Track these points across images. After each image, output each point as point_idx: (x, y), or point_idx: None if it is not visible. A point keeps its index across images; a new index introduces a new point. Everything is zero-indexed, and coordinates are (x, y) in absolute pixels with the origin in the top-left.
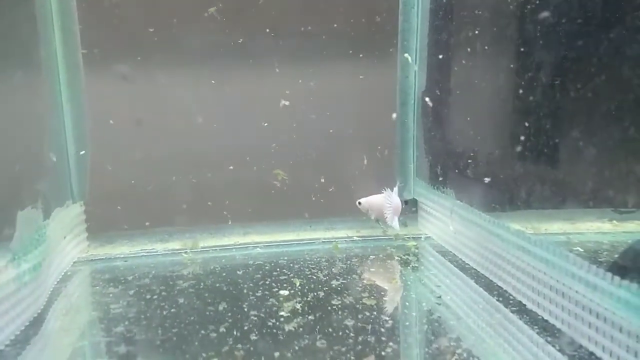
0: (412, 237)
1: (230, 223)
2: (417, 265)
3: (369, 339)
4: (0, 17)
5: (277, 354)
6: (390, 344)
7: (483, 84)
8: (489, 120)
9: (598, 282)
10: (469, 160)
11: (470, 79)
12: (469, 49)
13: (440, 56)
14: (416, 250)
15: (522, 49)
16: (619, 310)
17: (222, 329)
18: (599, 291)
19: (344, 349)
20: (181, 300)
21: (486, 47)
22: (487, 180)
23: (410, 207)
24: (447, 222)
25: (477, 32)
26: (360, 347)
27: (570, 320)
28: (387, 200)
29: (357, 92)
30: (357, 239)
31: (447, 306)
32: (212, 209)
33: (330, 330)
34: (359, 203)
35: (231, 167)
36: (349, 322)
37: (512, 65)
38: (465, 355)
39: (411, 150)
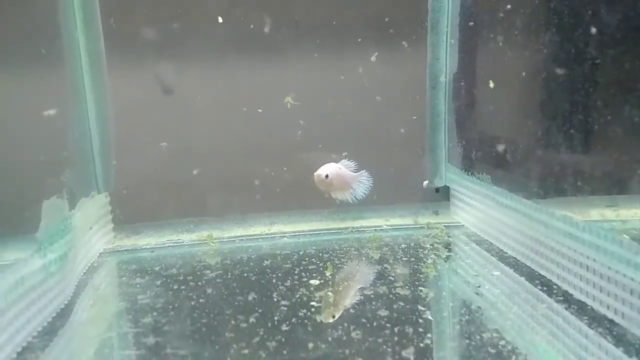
0: (445, 225)
1: (256, 213)
2: (451, 254)
3: (406, 330)
4: (22, 7)
5: (310, 345)
6: (429, 335)
7: (520, 64)
8: (527, 102)
9: None
10: (507, 145)
11: (506, 59)
12: (504, 28)
13: (473, 36)
14: (449, 239)
15: (562, 27)
16: None
17: (252, 320)
18: None
19: (380, 340)
20: (209, 291)
21: (523, 25)
22: (527, 165)
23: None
24: (483, 209)
25: (512, 9)
26: (397, 338)
27: (624, 310)
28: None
29: (386, 79)
30: (387, 227)
31: (485, 296)
32: (238, 199)
33: (364, 321)
34: (327, 176)
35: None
36: (384, 313)
37: (553, 43)
38: (510, 347)
39: (442, 135)
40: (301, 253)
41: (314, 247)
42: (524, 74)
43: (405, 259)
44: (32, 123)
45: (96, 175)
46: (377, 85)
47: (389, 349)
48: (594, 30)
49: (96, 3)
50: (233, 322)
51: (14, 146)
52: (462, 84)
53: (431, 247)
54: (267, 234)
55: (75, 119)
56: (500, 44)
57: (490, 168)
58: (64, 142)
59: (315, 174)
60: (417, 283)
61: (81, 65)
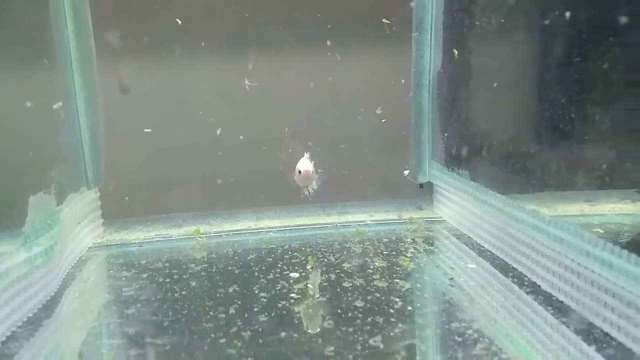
0: (427, 220)
1: (243, 208)
2: (431, 248)
3: (377, 320)
4: (12, 5)
5: (283, 334)
6: (400, 325)
7: (501, 63)
8: (506, 100)
9: (614, 260)
10: (485, 141)
11: (487, 58)
12: (486, 26)
13: (457, 34)
14: (430, 233)
15: (543, 26)
16: (636, 289)
17: (231, 311)
18: (615, 270)
19: (351, 330)
20: (193, 283)
21: (505, 23)
22: (503, 161)
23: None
24: (463, 204)
25: (494, 7)
26: (368, 327)
27: (585, 300)
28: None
29: (372, 77)
30: (371, 222)
31: (460, 288)
32: (225, 194)
33: (339, 311)
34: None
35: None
36: (359, 304)
37: (531, 43)
38: (476, 336)
39: (426, 132)
40: (285, 247)
41: (298, 242)
42: (504, 71)
43: (386, 252)
44: (22, 120)
45: (86, 171)
46: (362, 83)
47: (360, 338)
48: (581, 26)
49: (86, 1)
50: (212, 313)
51: (4, 142)
52: (446, 81)
53: (412, 241)
54: (253, 229)
55: (65, 115)
56: (484, 41)
57: (468, 164)
58: (53, 138)
59: (303, 170)
60: (394, 275)
61: (71, 62)
